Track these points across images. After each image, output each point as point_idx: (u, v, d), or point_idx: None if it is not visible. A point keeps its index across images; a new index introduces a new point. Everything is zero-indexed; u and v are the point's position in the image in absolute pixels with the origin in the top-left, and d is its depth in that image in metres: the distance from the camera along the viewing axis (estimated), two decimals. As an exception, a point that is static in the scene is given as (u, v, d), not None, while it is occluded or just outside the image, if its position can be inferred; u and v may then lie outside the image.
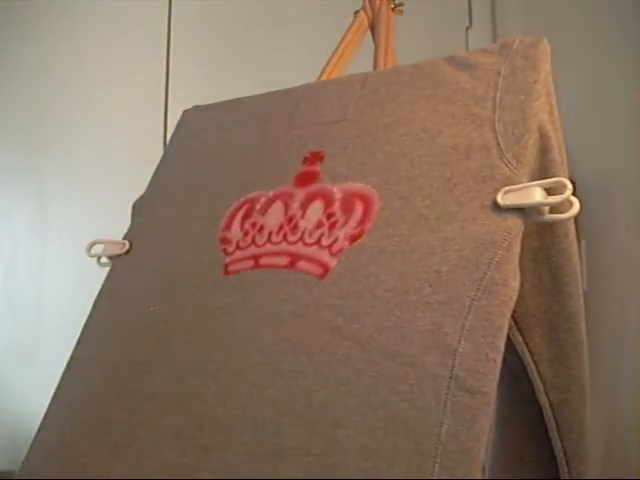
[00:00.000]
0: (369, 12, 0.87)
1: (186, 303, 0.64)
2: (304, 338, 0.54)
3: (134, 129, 1.63)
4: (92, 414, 0.62)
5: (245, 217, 0.66)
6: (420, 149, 0.59)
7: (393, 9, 0.85)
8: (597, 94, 1.13)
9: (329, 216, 0.60)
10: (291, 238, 0.61)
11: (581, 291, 0.65)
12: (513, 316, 0.57)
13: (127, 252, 0.74)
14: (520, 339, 0.63)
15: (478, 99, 0.59)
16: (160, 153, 0.83)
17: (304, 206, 0.62)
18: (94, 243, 0.75)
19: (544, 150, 0.57)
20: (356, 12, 0.88)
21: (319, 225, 0.60)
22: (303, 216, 0.61)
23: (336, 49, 0.84)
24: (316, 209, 0.61)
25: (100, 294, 0.73)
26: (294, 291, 0.57)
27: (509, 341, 0.62)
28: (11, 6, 1.74)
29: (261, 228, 0.63)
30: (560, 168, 0.58)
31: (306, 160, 0.66)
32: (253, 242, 0.63)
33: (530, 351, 0.64)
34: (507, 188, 0.52)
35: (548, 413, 0.67)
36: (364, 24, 0.86)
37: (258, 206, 0.65)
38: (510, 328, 0.60)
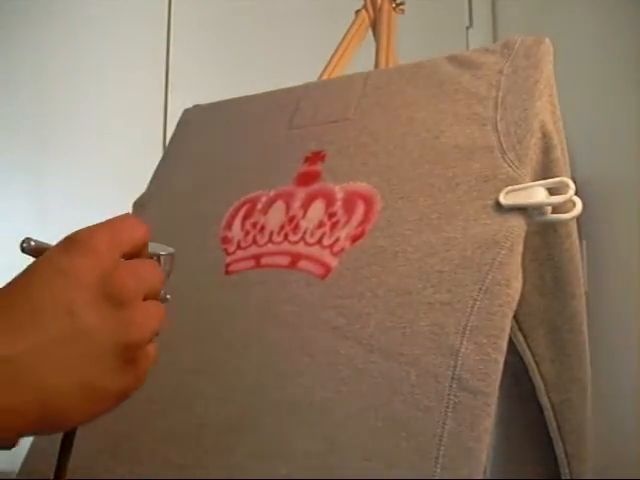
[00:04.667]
0: (370, 11, 0.86)
1: (187, 303, 0.64)
2: (305, 338, 0.54)
3: (134, 128, 1.62)
4: (92, 414, 0.62)
5: (246, 217, 0.65)
6: (422, 148, 0.59)
7: (394, 8, 0.85)
8: (599, 93, 1.13)
9: (330, 216, 0.60)
10: (292, 238, 0.60)
11: (583, 291, 0.65)
12: (515, 316, 0.56)
13: (127, 252, 0.74)
14: (522, 339, 0.63)
15: (480, 98, 0.59)
16: (160, 152, 0.83)
17: (305, 206, 0.62)
18: (94, 242, 0.75)
19: (546, 150, 0.56)
20: (357, 11, 0.87)
21: (320, 225, 0.60)
22: (304, 216, 0.61)
23: (337, 48, 0.84)
24: (317, 209, 0.61)
25: (100, 294, 0.73)
26: (295, 291, 0.57)
27: (510, 341, 0.61)
28: (11, 6, 1.74)
29: (262, 228, 0.63)
30: (562, 168, 0.58)
31: (307, 160, 0.66)
32: (254, 242, 0.63)
33: (532, 351, 0.64)
34: (509, 188, 0.52)
35: (549, 413, 0.67)
36: (365, 23, 0.86)
37: (259, 206, 0.65)
38: (512, 328, 0.60)
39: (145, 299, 0.35)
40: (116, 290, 0.32)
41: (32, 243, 0.35)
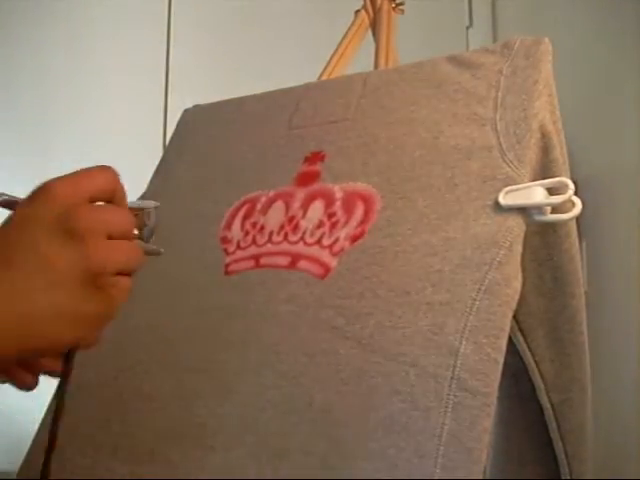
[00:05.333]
0: (370, 11, 0.86)
1: (187, 303, 0.64)
2: (305, 338, 0.54)
3: (134, 129, 1.62)
4: (92, 414, 0.62)
5: (246, 217, 0.65)
6: (421, 149, 0.59)
7: (394, 8, 0.85)
8: (598, 93, 1.13)
9: (330, 216, 0.60)
10: (292, 238, 0.60)
11: (583, 291, 0.65)
12: (515, 316, 0.56)
13: (127, 252, 0.74)
14: (521, 339, 0.63)
15: (480, 99, 0.59)
16: (160, 153, 0.83)
17: (305, 206, 0.62)
18: (94, 243, 0.75)
19: (546, 150, 0.56)
20: (357, 12, 0.87)
21: (320, 225, 0.60)
22: (304, 216, 0.61)
23: (337, 49, 0.84)
24: (317, 209, 0.61)
25: (100, 294, 0.73)
26: (295, 291, 0.57)
27: (510, 341, 0.61)
28: (11, 6, 1.74)
29: (262, 228, 0.63)
30: (562, 168, 0.58)
31: (307, 160, 0.66)
32: (254, 242, 0.63)
33: (531, 351, 0.64)
34: (508, 188, 0.52)
35: (549, 413, 0.67)
36: (365, 23, 0.86)
37: (259, 206, 0.65)
38: (511, 328, 0.60)
39: (113, 238, 0.38)
40: (72, 225, 0.36)
41: (5, 197, 0.41)
